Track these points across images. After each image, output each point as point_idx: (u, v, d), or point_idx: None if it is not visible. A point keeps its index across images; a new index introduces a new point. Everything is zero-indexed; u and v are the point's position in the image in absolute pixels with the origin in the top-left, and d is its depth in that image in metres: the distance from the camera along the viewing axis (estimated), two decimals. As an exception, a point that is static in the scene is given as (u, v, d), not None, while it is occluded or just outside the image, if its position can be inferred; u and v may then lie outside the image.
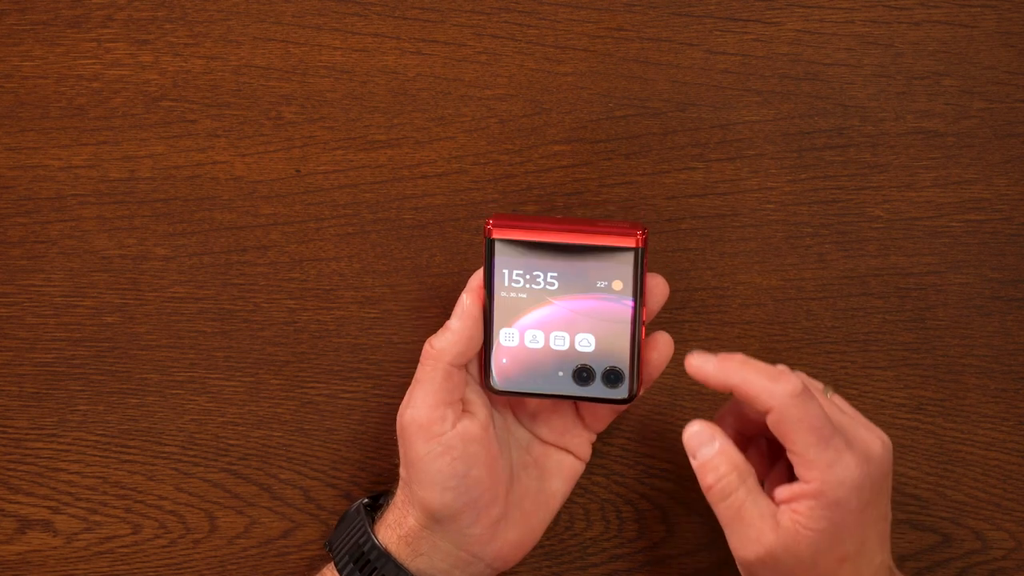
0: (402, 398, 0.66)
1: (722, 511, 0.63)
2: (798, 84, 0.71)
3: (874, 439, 0.63)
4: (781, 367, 0.63)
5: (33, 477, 0.74)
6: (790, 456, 0.62)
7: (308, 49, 0.71)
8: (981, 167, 0.72)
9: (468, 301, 0.65)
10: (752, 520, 0.62)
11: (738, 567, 0.64)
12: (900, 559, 0.73)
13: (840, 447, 0.61)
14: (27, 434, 0.74)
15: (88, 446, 0.74)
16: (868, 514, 0.62)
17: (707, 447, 0.63)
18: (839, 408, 0.65)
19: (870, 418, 0.65)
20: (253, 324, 0.73)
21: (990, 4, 0.70)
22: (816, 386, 0.65)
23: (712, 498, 0.63)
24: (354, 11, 0.71)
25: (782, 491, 0.62)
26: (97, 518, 0.74)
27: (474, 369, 0.67)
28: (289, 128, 0.72)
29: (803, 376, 0.65)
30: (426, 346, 0.65)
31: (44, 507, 0.74)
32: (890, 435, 0.64)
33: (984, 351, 0.73)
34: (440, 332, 0.65)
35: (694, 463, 0.63)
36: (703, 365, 0.63)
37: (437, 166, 0.72)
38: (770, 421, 0.62)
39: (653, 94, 0.71)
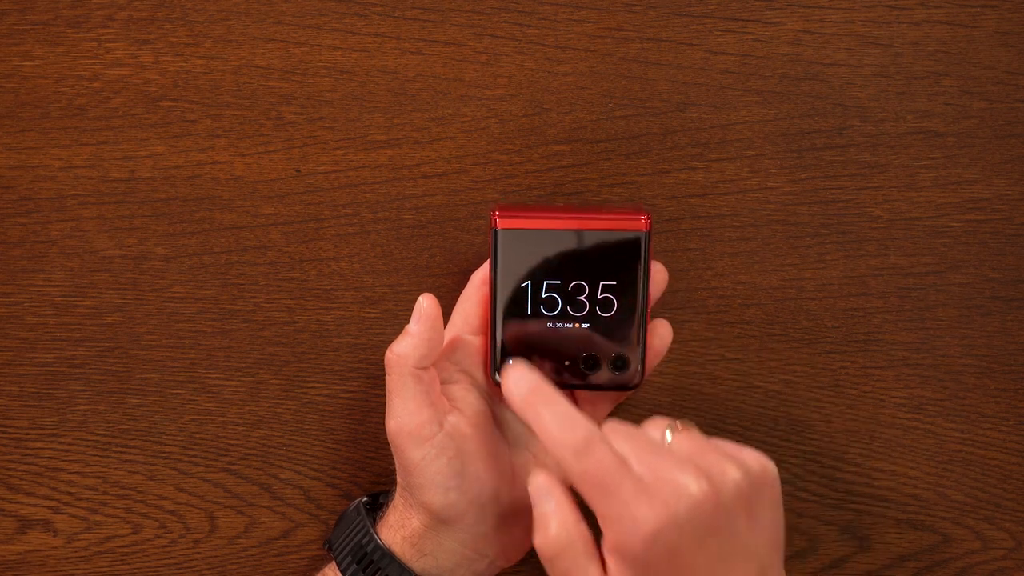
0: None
1: (549, 569, 0.59)
2: (798, 84, 0.71)
3: (690, 480, 0.56)
4: (575, 419, 0.58)
5: (33, 477, 0.74)
6: None
7: (308, 49, 0.71)
8: (981, 167, 0.72)
9: (425, 304, 0.64)
10: None
11: None
12: (900, 559, 0.74)
13: (627, 498, 0.56)
14: (27, 434, 0.74)
15: (88, 446, 0.74)
16: (691, 559, 0.56)
17: (544, 504, 0.59)
18: (685, 442, 0.59)
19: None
20: (253, 324, 0.73)
21: (990, 4, 0.70)
22: (659, 424, 0.60)
23: (540, 556, 0.59)
24: (354, 11, 0.71)
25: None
26: (97, 518, 0.74)
27: (466, 363, 0.67)
28: (289, 128, 0.72)
29: (658, 420, 0.61)
30: (388, 354, 0.65)
31: (44, 507, 0.74)
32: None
33: (984, 351, 0.73)
34: (400, 337, 0.65)
35: (534, 514, 0.60)
36: (518, 383, 0.60)
37: (437, 166, 0.72)
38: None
39: (653, 94, 0.71)
